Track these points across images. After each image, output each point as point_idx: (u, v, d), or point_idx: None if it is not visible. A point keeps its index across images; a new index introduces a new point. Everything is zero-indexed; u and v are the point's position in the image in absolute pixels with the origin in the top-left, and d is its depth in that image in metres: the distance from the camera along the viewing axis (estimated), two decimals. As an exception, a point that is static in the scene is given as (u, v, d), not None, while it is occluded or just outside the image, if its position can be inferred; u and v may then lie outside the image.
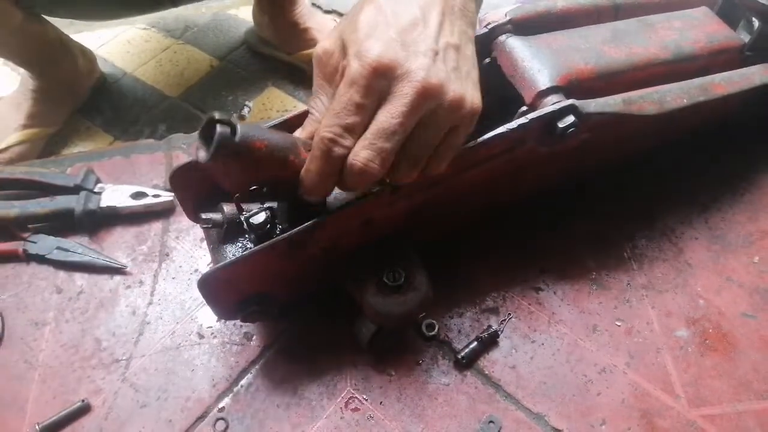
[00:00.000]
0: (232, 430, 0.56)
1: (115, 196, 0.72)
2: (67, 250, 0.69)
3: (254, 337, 0.62)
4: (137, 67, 1.16)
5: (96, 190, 0.72)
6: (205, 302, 0.53)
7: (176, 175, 0.55)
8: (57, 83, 1.00)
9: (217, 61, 1.16)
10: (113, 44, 1.21)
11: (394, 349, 0.60)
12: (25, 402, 0.59)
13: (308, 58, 1.04)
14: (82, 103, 1.07)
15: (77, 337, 0.63)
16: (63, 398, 0.59)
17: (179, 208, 0.71)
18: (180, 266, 0.68)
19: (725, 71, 0.65)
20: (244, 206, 0.54)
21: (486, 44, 0.60)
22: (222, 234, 0.56)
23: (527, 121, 0.53)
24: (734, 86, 0.64)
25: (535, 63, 0.57)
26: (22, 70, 0.99)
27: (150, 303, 0.66)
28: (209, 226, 0.56)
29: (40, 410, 0.58)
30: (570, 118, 0.53)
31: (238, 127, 0.41)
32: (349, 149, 0.43)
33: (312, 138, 0.46)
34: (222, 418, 0.57)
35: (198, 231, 0.71)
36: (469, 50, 0.47)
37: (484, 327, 0.61)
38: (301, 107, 0.57)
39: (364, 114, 0.43)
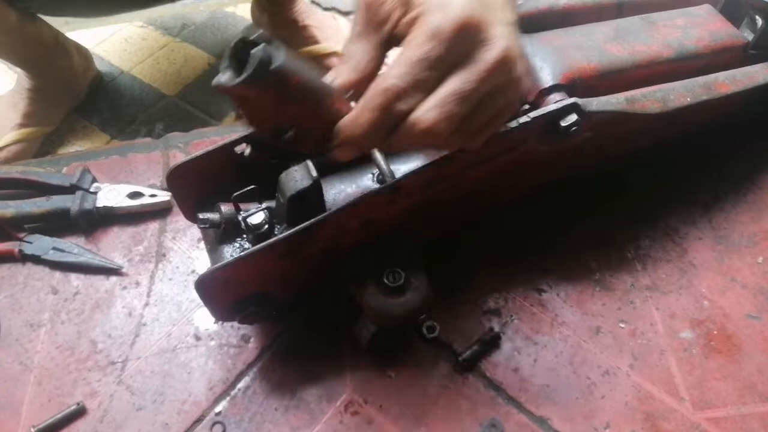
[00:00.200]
0: (230, 434, 0.56)
1: (111, 195, 0.71)
2: (63, 251, 0.68)
3: (252, 339, 0.62)
4: (134, 65, 1.15)
5: (92, 189, 0.72)
6: (202, 304, 0.52)
7: (173, 174, 0.55)
8: (53, 82, 0.99)
9: (215, 59, 1.15)
10: (110, 42, 1.20)
11: (394, 352, 0.60)
12: (20, 404, 0.58)
13: (307, 56, 1.04)
14: (78, 102, 1.06)
15: (73, 338, 0.63)
16: (58, 401, 0.58)
17: (176, 208, 0.70)
18: (177, 267, 0.68)
19: (728, 70, 0.64)
20: (242, 206, 0.54)
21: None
22: (219, 234, 0.55)
23: (529, 119, 0.52)
24: (738, 85, 0.63)
25: (537, 61, 0.56)
26: (18, 69, 0.98)
27: (146, 304, 0.65)
28: (206, 226, 0.55)
29: (35, 413, 0.58)
30: (572, 117, 0.53)
31: (280, 52, 0.37)
32: (413, 107, 0.40)
33: (347, 87, 0.42)
34: (219, 422, 0.56)
35: (195, 231, 0.70)
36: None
37: (486, 329, 0.61)
38: (300, 106, 0.56)
39: (438, 71, 0.40)
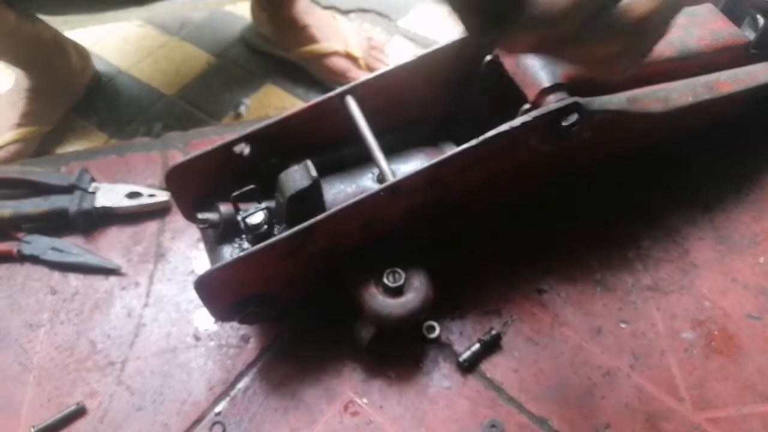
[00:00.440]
0: (230, 435, 0.56)
1: (110, 195, 0.71)
2: (61, 251, 0.68)
3: (252, 340, 0.61)
4: (133, 64, 1.15)
5: (91, 189, 0.71)
6: (201, 304, 0.52)
7: (172, 174, 0.54)
8: (51, 82, 0.99)
9: (214, 59, 1.15)
10: (108, 42, 1.20)
11: (394, 352, 0.59)
12: (19, 405, 0.58)
13: (307, 55, 1.04)
14: (77, 102, 1.06)
15: (72, 338, 0.62)
16: (58, 401, 0.58)
17: (175, 208, 0.70)
18: (176, 267, 0.67)
19: (730, 69, 0.64)
20: (241, 206, 0.53)
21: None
22: (218, 234, 0.55)
23: (530, 119, 0.52)
24: (739, 84, 0.63)
25: (538, 60, 0.56)
26: (16, 69, 0.98)
27: (145, 305, 0.65)
28: (206, 226, 0.55)
29: (35, 413, 0.57)
30: (574, 116, 0.53)
31: None
32: None
33: None
34: (219, 422, 0.56)
35: (194, 231, 0.70)
36: None
37: (486, 329, 0.60)
38: (300, 104, 0.56)
39: None
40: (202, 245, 0.67)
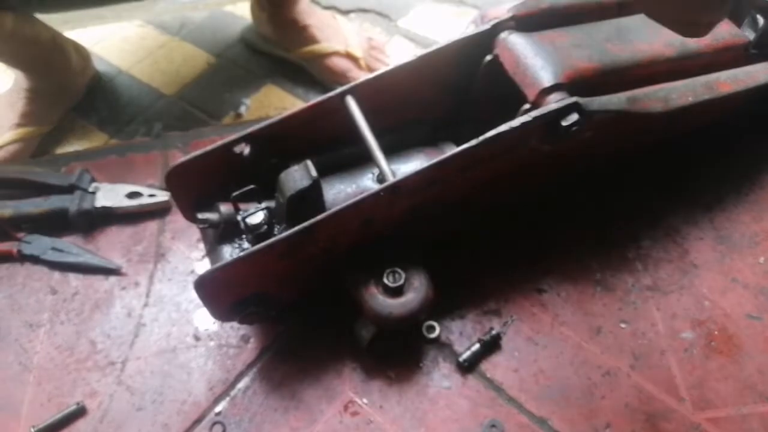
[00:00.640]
0: (230, 435, 0.55)
1: (110, 195, 0.71)
2: (61, 251, 0.68)
3: (251, 340, 0.61)
4: (133, 64, 1.15)
5: (91, 189, 0.71)
6: (201, 304, 0.52)
7: (172, 174, 0.54)
8: (51, 82, 0.99)
9: (214, 59, 1.15)
10: (109, 42, 1.20)
11: (394, 352, 0.59)
12: (20, 404, 0.58)
13: (307, 56, 1.04)
14: (77, 102, 1.06)
15: (72, 338, 0.62)
16: (58, 401, 0.58)
17: (175, 208, 0.70)
18: (176, 267, 0.67)
19: (730, 69, 0.64)
20: (241, 206, 0.53)
21: (488, 41, 0.59)
22: (218, 234, 0.55)
23: (530, 119, 0.52)
24: (739, 84, 0.63)
25: (538, 60, 0.56)
26: (15, 69, 0.98)
27: (145, 305, 0.65)
28: (206, 226, 0.55)
29: (35, 413, 0.57)
30: (574, 116, 0.53)
31: None
32: None
33: None
34: (219, 422, 0.56)
35: (194, 231, 0.70)
36: None
37: (486, 329, 0.60)
38: (300, 105, 0.56)
39: None
40: (202, 245, 0.67)
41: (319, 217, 0.49)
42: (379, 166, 0.53)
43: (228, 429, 0.56)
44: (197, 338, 0.62)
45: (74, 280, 0.67)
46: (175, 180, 0.55)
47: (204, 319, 0.63)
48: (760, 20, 0.65)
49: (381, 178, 0.55)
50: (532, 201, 0.67)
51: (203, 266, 0.67)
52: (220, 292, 0.52)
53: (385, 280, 0.52)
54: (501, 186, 0.61)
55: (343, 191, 0.56)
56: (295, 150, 0.56)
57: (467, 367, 0.58)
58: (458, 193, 0.57)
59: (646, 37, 0.62)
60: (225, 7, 1.26)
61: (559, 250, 0.66)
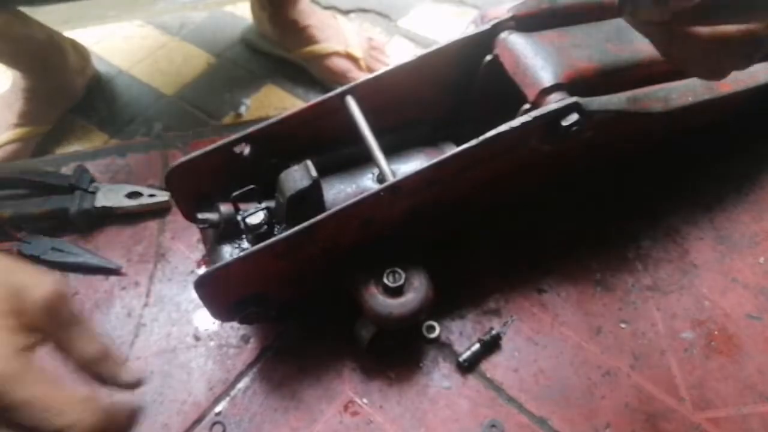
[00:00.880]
0: (230, 435, 0.55)
1: (110, 195, 0.71)
2: (61, 251, 0.67)
3: (252, 340, 0.61)
4: (133, 64, 1.15)
5: (91, 189, 0.71)
6: (201, 304, 0.52)
7: (172, 174, 0.54)
8: (49, 82, 0.98)
9: (214, 59, 1.15)
10: (108, 42, 1.20)
11: (394, 352, 0.59)
12: (18, 405, 0.58)
13: (307, 56, 1.04)
14: (76, 102, 1.06)
15: (71, 339, 0.62)
16: (57, 401, 0.58)
17: (175, 208, 0.70)
18: (176, 267, 0.67)
19: (730, 69, 0.64)
20: (241, 206, 0.53)
21: (488, 41, 0.59)
22: (219, 234, 0.55)
23: (530, 119, 0.52)
24: (739, 84, 0.63)
25: (538, 60, 0.56)
26: (12, 69, 0.98)
27: (145, 305, 0.64)
28: (206, 226, 0.55)
29: (34, 414, 0.57)
30: (574, 116, 0.53)
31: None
32: None
33: None
34: (219, 422, 0.56)
35: (194, 231, 0.70)
36: None
37: (486, 329, 0.60)
38: (300, 105, 0.56)
39: None
40: (202, 245, 0.67)
41: (319, 217, 0.49)
42: (379, 166, 0.53)
43: (228, 429, 0.56)
44: (197, 338, 0.62)
45: (74, 280, 0.67)
46: (175, 180, 0.55)
47: (204, 319, 0.63)
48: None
49: (381, 178, 0.55)
50: (532, 201, 0.67)
51: (203, 266, 0.67)
52: (220, 292, 0.52)
53: (385, 280, 0.52)
54: (501, 186, 0.61)
55: (343, 191, 0.56)
56: (295, 150, 0.56)
57: (467, 367, 0.58)
58: (458, 193, 0.57)
59: (646, 37, 0.62)
60: (225, 7, 1.26)
61: (559, 250, 0.66)
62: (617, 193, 0.70)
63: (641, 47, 0.60)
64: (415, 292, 0.53)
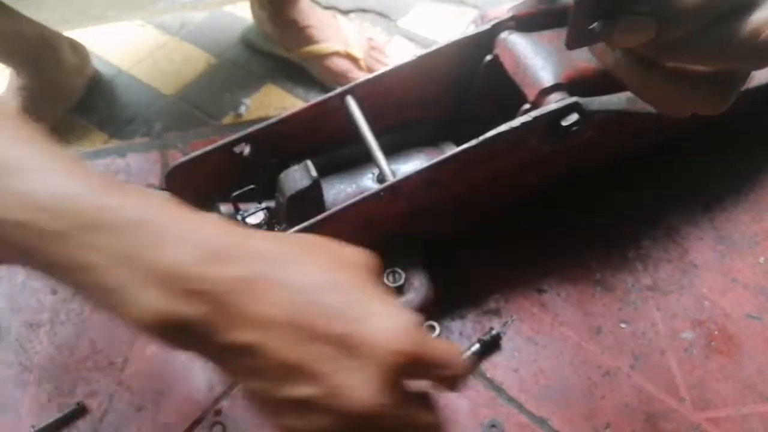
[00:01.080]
0: (230, 435, 0.56)
1: (110, 195, 0.71)
2: (61, 251, 0.67)
3: (252, 339, 0.61)
4: (133, 64, 1.15)
5: (91, 189, 0.71)
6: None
7: (172, 174, 0.54)
8: (44, 80, 0.98)
9: (214, 59, 1.15)
10: (108, 42, 1.20)
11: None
12: (20, 404, 0.58)
13: (307, 56, 1.04)
14: (76, 101, 1.06)
15: (72, 338, 0.62)
16: (58, 401, 0.58)
17: (176, 208, 0.70)
18: (176, 267, 0.67)
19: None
20: (241, 206, 0.53)
21: (488, 41, 0.59)
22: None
23: (530, 119, 0.52)
24: (739, 84, 0.63)
25: (538, 60, 0.56)
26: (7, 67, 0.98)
27: (146, 304, 0.64)
28: (206, 227, 0.55)
29: (35, 413, 0.57)
30: (574, 116, 0.53)
31: None
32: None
33: None
34: (219, 422, 0.56)
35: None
36: None
37: (486, 329, 0.60)
38: (300, 105, 0.56)
39: None
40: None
41: (319, 217, 0.49)
42: (379, 166, 0.53)
43: (228, 429, 0.56)
44: (197, 338, 0.62)
45: (74, 280, 0.67)
46: (174, 180, 0.55)
47: (204, 319, 0.63)
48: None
49: (381, 178, 0.55)
50: (532, 201, 0.67)
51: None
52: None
53: (385, 280, 0.52)
54: (501, 186, 0.61)
55: (343, 191, 0.56)
56: (295, 150, 0.56)
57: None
58: (458, 193, 0.57)
59: (646, 37, 0.61)
60: (225, 7, 1.26)
61: (559, 250, 0.66)
62: (617, 193, 0.70)
63: (641, 47, 0.60)
64: (415, 292, 0.53)
